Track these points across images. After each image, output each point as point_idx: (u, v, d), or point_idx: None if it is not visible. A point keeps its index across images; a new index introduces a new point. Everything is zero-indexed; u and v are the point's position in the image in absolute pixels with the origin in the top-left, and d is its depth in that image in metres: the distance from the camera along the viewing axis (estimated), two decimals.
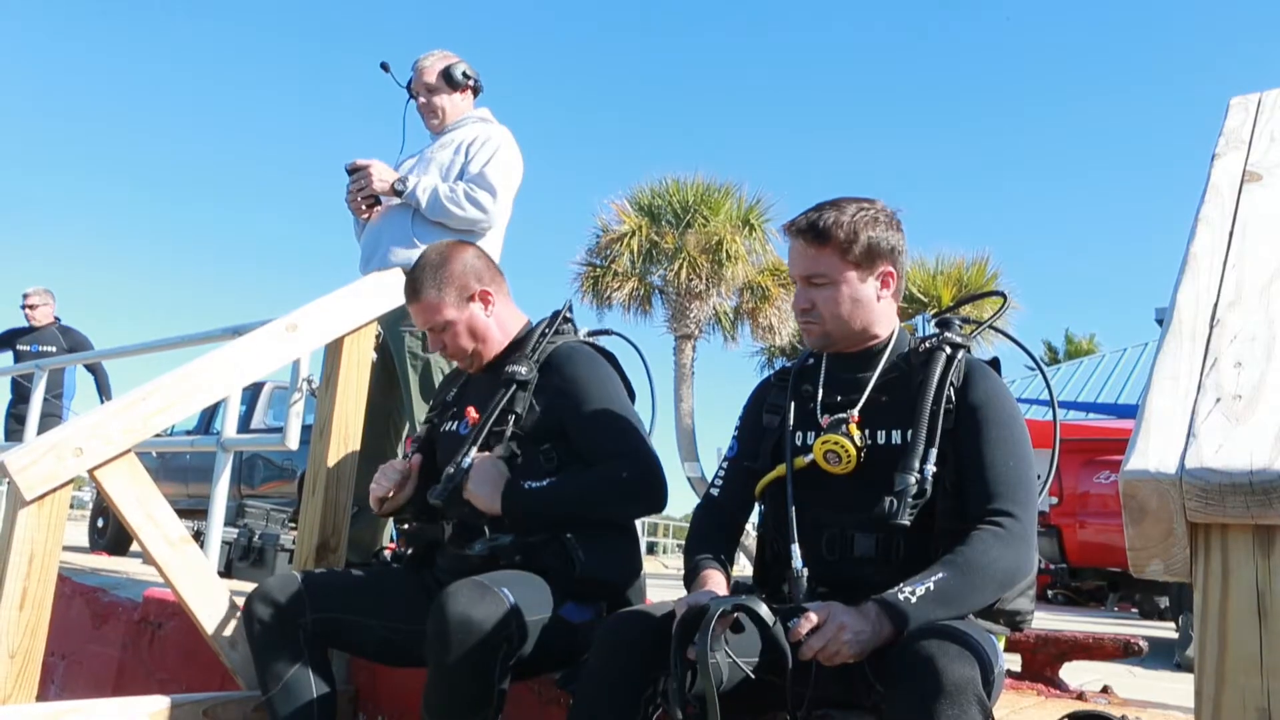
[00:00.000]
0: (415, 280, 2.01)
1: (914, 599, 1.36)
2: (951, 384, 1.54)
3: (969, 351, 1.62)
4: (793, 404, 1.66)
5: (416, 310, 2.02)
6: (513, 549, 1.80)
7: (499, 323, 2.04)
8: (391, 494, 1.99)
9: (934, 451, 1.49)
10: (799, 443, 1.62)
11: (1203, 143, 1.29)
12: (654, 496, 1.85)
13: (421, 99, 3.09)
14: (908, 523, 1.45)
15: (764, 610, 1.36)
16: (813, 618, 1.34)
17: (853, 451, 1.52)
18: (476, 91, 3.16)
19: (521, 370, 1.92)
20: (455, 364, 2.31)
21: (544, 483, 1.84)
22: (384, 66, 3.15)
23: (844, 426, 1.54)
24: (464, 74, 3.09)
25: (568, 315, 2.07)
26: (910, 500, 1.45)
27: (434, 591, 1.84)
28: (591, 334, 2.07)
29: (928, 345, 1.61)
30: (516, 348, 2.01)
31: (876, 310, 1.62)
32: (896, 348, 1.64)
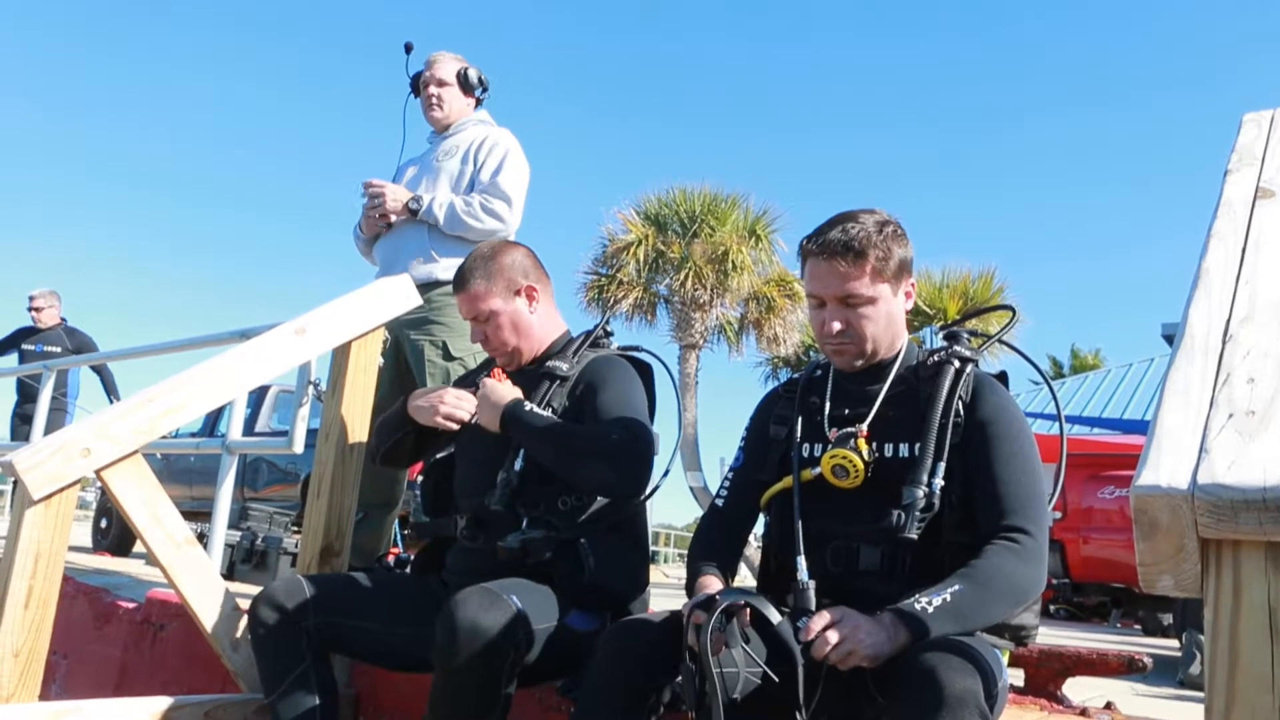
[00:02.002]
0: (465, 270, 2.04)
1: (930, 609, 1.34)
2: (960, 398, 1.54)
3: (977, 365, 1.61)
4: (800, 416, 1.66)
5: (463, 299, 2.04)
6: (543, 544, 1.80)
7: (541, 322, 2.07)
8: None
9: (942, 465, 1.48)
10: (806, 455, 1.62)
11: (1209, 159, 1.30)
12: (632, 470, 1.82)
13: (431, 89, 3.09)
14: (915, 536, 1.45)
15: (770, 610, 1.35)
16: (826, 616, 1.33)
17: (860, 466, 1.51)
18: (480, 101, 3.19)
19: (563, 367, 1.97)
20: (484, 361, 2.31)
21: (546, 412, 1.89)
22: (408, 48, 3.16)
23: (852, 441, 1.53)
24: (479, 79, 3.11)
25: (607, 330, 2.11)
26: (918, 514, 1.45)
27: (439, 595, 1.85)
28: (624, 349, 2.09)
29: (936, 359, 1.60)
30: (555, 354, 2.04)
31: (901, 324, 1.62)
32: (905, 360, 1.63)
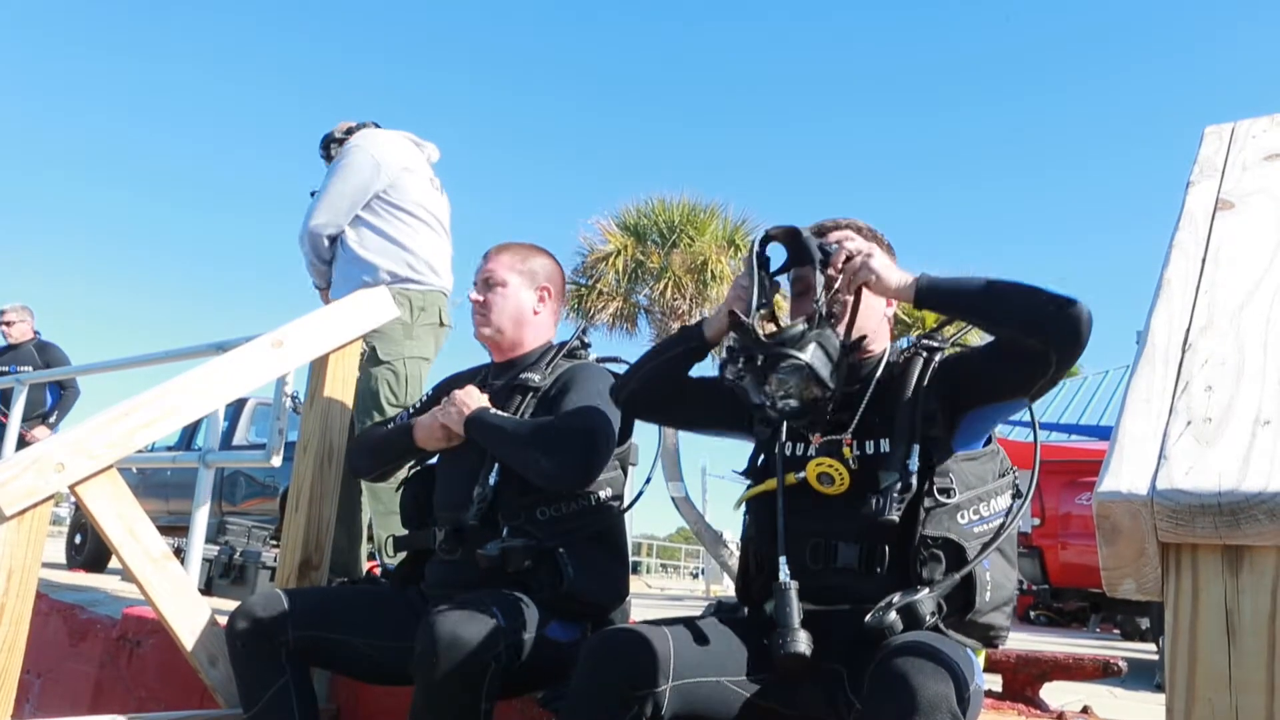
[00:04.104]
0: (506, 244, 2.15)
1: (942, 275, 1.50)
2: (929, 381, 1.58)
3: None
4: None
5: (485, 262, 2.13)
6: (523, 553, 1.81)
7: (535, 323, 2.11)
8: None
9: (916, 448, 1.51)
10: (789, 454, 1.63)
11: (1185, 166, 1.32)
12: (569, 458, 1.81)
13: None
14: (896, 519, 1.47)
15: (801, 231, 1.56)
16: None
17: (846, 475, 1.53)
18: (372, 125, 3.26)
19: (535, 378, 1.99)
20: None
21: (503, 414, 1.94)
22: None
23: (839, 449, 1.55)
24: (332, 139, 3.22)
25: (584, 341, 2.13)
26: (897, 495, 1.47)
27: (419, 608, 1.84)
28: (603, 360, 2.11)
29: (906, 354, 1.65)
30: (529, 365, 2.06)
31: (885, 328, 1.71)
32: (885, 363, 1.66)
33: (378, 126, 3.22)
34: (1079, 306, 1.39)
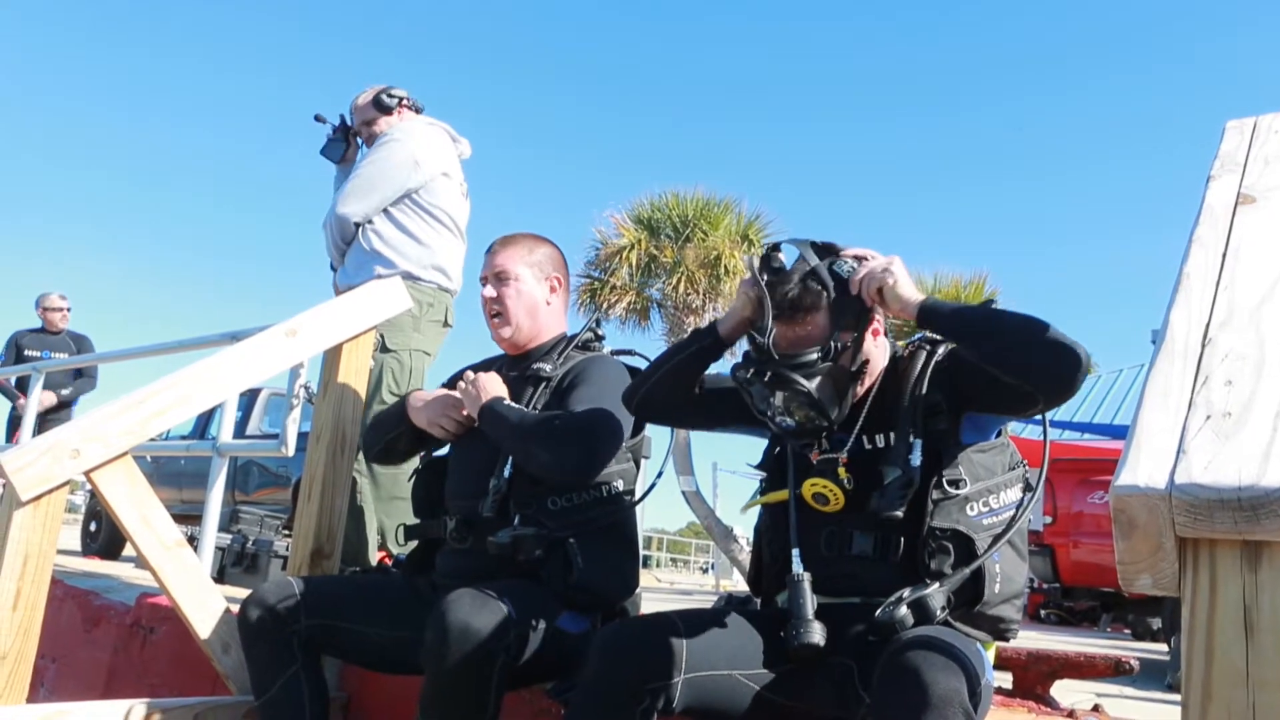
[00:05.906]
0: (504, 238, 2.13)
1: (946, 301, 1.52)
2: (931, 376, 1.57)
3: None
4: None
5: (491, 257, 2.11)
6: (534, 541, 1.81)
7: (548, 315, 2.11)
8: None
9: (919, 443, 1.50)
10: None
11: (1201, 168, 1.31)
12: (570, 452, 1.81)
13: (363, 132, 3.20)
14: (899, 514, 1.46)
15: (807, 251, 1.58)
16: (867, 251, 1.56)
17: (841, 496, 1.53)
18: (418, 111, 3.24)
19: (546, 368, 2.00)
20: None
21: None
22: (318, 119, 3.28)
23: (834, 469, 1.55)
24: (390, 95, 3.18)
25: (598, 333, 2.13)
26: (899, 489, 1.47)
27: (429, 598, 1.85)
28: (617, 353, 2.11)
29: (909, 349, 1.64)
30: (542, 356, 2.06)
31: (880, 344, 1.66)
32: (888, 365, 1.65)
33: (419, 110, 3.21)
34: (1074, 354, 1.38)
